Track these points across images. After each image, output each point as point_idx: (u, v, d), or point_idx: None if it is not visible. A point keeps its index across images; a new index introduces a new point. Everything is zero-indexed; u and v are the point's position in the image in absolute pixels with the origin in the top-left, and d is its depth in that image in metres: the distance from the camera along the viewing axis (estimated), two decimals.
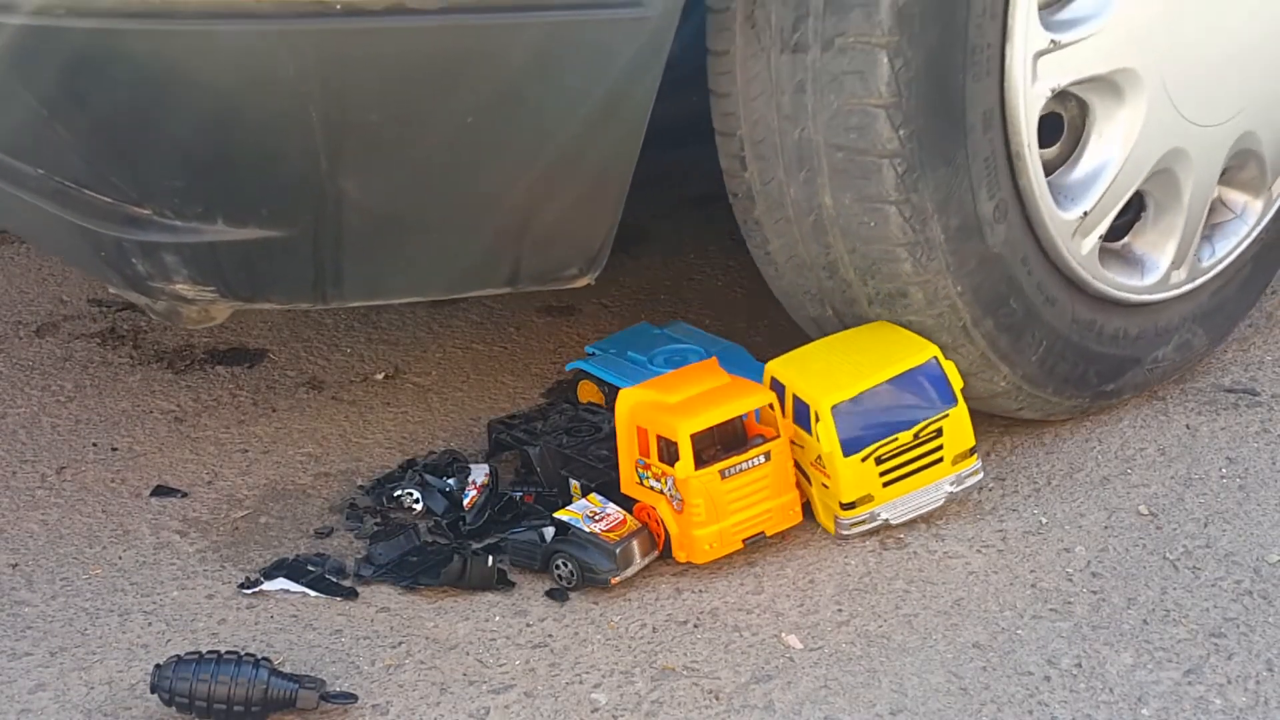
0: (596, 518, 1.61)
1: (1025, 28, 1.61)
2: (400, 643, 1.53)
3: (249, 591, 1.61)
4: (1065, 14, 1.66)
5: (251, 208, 1.50)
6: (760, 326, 2.11)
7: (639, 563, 1.60)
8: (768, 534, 1.64)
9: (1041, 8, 1.63)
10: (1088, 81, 1.69)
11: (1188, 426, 1.91)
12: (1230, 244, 1.96)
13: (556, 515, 1.64)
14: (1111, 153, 1.74)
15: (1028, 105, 1.64)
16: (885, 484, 1.65)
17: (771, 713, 1.43)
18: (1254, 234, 1.97)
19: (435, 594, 1.61)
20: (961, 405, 1.68)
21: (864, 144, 1.58)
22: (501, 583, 1.61)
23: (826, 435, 1.61)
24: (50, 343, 2.16)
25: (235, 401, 2.02)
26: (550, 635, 1.54)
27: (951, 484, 1.69)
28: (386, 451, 1.89)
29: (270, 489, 1.82)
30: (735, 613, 1.57)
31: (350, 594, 1.60)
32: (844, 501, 1.64)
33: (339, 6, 1.38)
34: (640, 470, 1.63)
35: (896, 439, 1.64)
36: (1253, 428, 1.90)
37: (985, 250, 1.67)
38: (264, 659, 1.42)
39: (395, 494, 1.75)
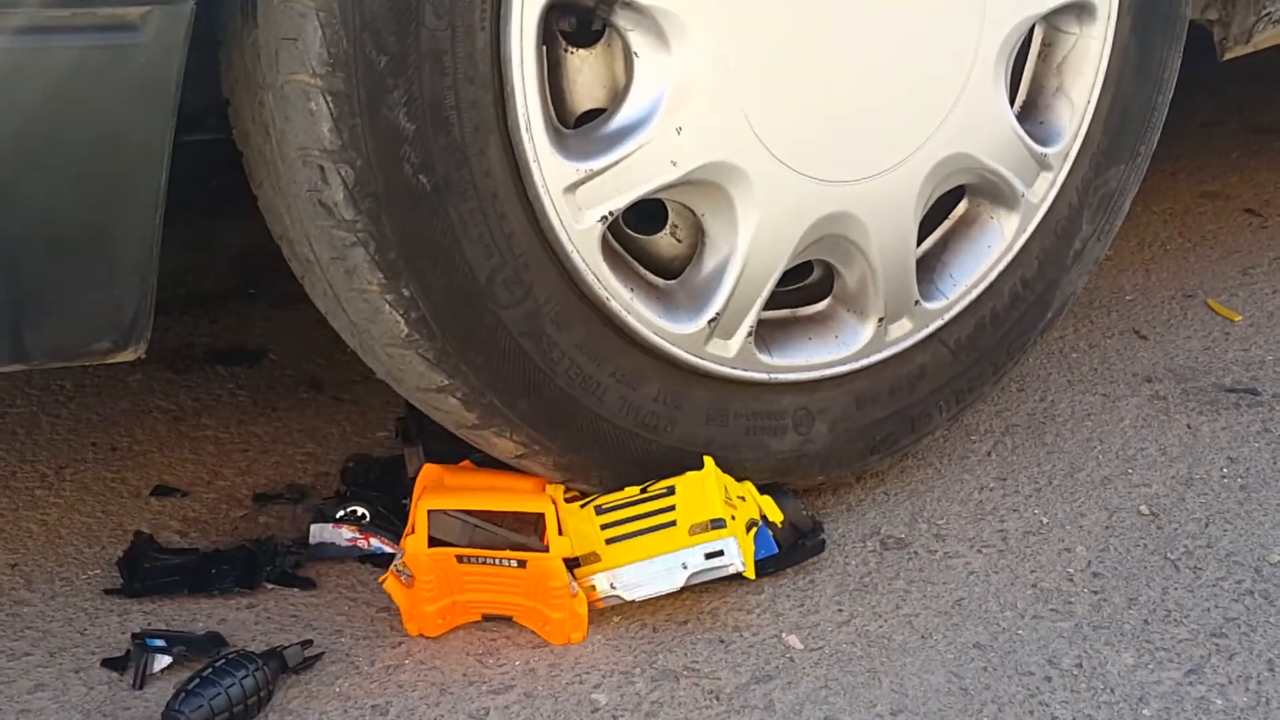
0: None
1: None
2: (400, 643, 1.53)
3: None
4: None
5: None
6: None
7: None
8: (516, 619, 1.53)
9: None
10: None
11: (1189, 426, 1.91)
12: (1086, 85, 1.72)
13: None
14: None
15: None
16: (609, 540, 1.51)
17: (772, 713, 1.43)
18: (1106, 57, 1.71)
19: None
20: (705, 471, 1.54)
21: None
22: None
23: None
24: None
25: (235, 401, 2.02)
26: None
27: (690, 561, 1.50)
28: (387, 451, 1.89)
29: (270, 489, 1.82)
30: (735, 613, 1.57)
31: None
32: (566, 556, 1.50)
33: None
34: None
35: (623, 490, 1.55)
36: (1254, 427, 1.90)
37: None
38: (244, 651, 1.43)
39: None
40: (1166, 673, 1.48)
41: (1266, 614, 1.56)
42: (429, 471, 1.58)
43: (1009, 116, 1.66)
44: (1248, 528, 1.70)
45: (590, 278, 1.48)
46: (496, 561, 1.49)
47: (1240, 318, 2.20)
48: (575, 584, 1.50)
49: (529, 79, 1.38)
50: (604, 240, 1.48)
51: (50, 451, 1.90)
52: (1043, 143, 1.71)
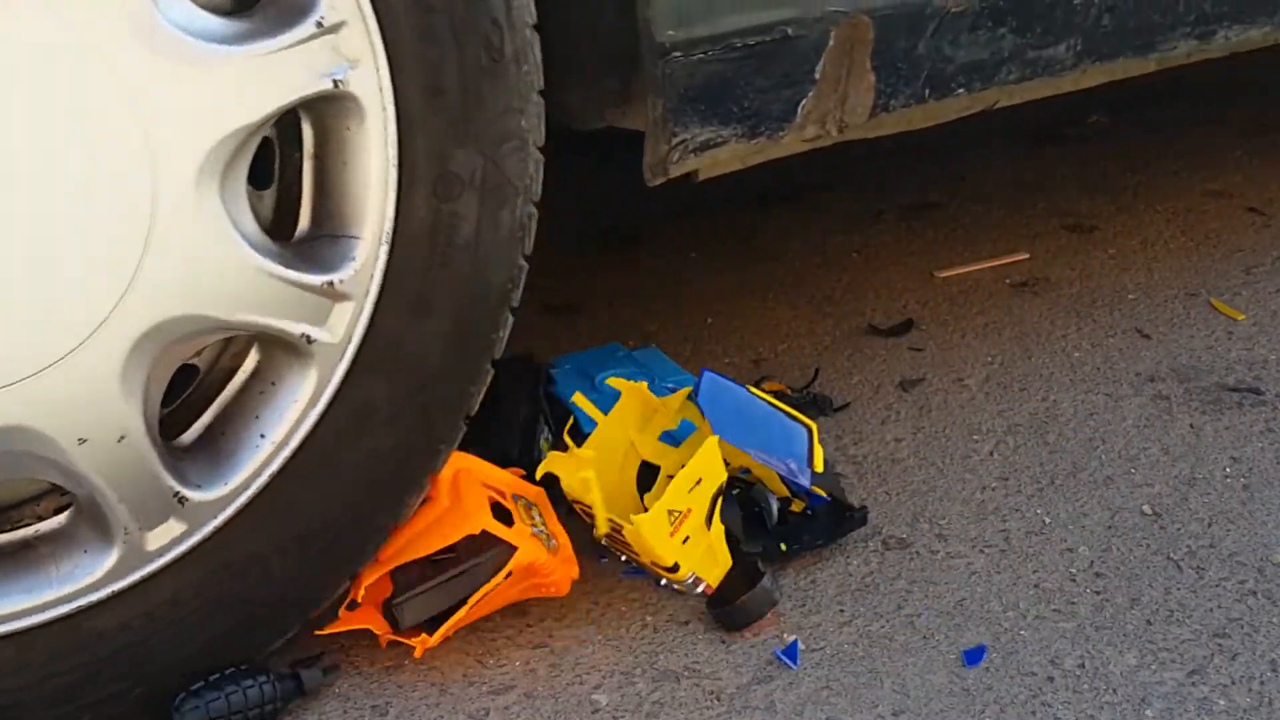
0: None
1: None
2: (400, 643, 1.53)
3: None
4: None
5: None
6: (758, 330, 2.10)
7: None
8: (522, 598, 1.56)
9: None
10: None
11: (1192, 426, 1.90)
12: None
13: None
14: None
15: None
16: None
17: (773, 714, 1.43)
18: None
19: None
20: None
21: None
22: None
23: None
24: None
25: None
26: (550, 635, 1.54)
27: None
28: None
29: None
30: None
31: None
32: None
33: None
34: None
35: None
36: (1257, 427, 1.90)
37: None
38: (258, 666, 1.42)
39: None
40: (1169, 673, 1.47)
41: (1269, 614, 1.55)
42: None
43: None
44: (1251, 528, 1.70)
45: None
46: (488, 592, 1.48)
47: (1244, 317, 2.19)
48: (553, 540, 1.51)
49: None
50: None
51: None
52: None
